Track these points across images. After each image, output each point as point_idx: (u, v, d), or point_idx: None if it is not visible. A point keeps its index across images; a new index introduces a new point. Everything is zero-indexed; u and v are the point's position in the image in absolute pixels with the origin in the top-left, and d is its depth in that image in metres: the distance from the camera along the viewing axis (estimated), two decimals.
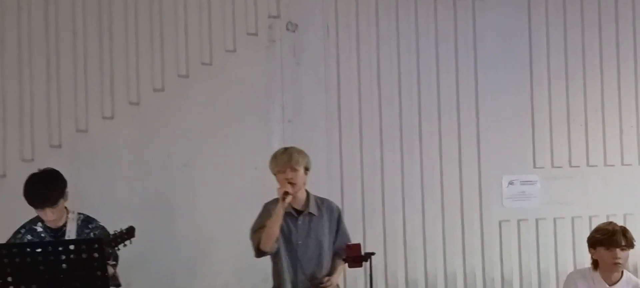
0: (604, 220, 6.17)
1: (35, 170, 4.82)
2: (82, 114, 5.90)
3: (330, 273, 4.89)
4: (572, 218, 6.77)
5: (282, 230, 4.77)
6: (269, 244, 4.72)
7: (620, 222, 6.63)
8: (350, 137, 6.40)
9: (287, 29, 6.28)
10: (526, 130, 6.77)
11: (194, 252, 6.03)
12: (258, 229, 4.78)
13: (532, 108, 6.79)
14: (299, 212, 4.87)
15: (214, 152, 6.09)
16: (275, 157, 4.87)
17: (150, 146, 5.99)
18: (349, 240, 4.95)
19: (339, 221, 4.99)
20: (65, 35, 5.90)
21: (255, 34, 6.21)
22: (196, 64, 6.09)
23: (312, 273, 4.83)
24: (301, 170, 4.81)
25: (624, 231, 4.78)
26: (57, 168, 4.82)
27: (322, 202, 4.97)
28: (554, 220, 6.80)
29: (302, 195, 4.88)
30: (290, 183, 4.74)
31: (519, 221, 6.74)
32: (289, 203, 4.77)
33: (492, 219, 6.67)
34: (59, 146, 5.86)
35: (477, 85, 6.67)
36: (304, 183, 4.87)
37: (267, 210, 4.83)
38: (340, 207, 5.19)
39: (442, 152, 6.59)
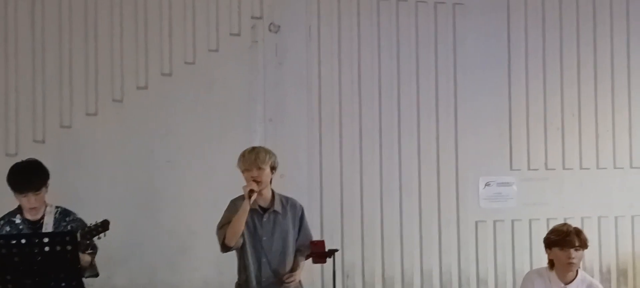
0: (579, 223, 6.32)
1: None
2: (66, 110, 5.99)
3: (294, 269, 4.99)
4: (547, 220, 6.82)
5: (247, 226, 4.87)
6: (234, 240, 4.83)
7: (594, 225, 6.82)
8: (331, 137, 6.50)
9: (270, 30, 6.36)
10: (503, 132, 6.88)
11: (176, 246, 6.13)
12: (224, 225, 4.89)
13: (510, 111, 6.89)
14: (265, 210, 4.98)
15: (196, 149, 6.18)
16: (242, 156, 4.95)
17: (133, 143, 6.07)
18: (311, 237, 5.06)
19: (301, 219, 5.08)
20: (51, 32, 5.98)
21: (238, 35, 6.30)
22: (180, 63, 6.18)
23: (276, 269, 4.94)
24: (267, 169, 4.90)
25: (578, 232, 4.81)
26: None
27: (286, 201, 5.06)
28: (530, 221, 6.91)
29: (267, 194, 4.98)
30: (256, 181, 4.82)
31: (495, 221, 6.85)
32: (255, 201, 4.88)
33: (469, 219, 6.78)
34: (43, 141, 5.94)
35: (456, 88, 6.77)
36: (270, 182, 4.96)
37: (234, 206, 4.93)
38: (308, 205, 5.31)
39: (421, 153, 6.69)
